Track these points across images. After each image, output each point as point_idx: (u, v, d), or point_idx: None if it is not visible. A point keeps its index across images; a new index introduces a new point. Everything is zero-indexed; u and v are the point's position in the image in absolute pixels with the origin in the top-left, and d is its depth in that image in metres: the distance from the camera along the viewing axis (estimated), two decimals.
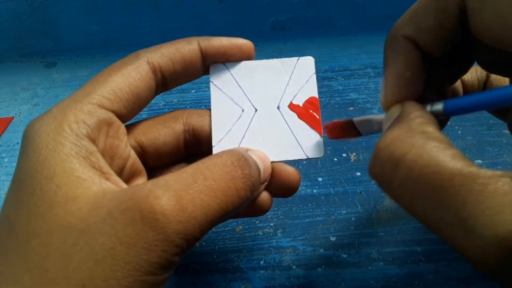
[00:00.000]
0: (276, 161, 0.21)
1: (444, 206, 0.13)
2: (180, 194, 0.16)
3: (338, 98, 0.41)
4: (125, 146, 0.20)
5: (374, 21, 0.52)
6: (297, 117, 0.22)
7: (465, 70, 0.21)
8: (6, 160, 0.38)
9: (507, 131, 0.35)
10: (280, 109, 0.22)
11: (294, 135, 0.22)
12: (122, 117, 0.20)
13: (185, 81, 0.22)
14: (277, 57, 0.23)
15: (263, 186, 0.21)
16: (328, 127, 0.22)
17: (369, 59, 0.48)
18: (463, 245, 0.12)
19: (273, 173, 0.21)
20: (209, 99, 0.22)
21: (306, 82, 0.23)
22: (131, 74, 0.19)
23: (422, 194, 0.13)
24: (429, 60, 0.18)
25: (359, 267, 0.25)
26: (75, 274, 0.15)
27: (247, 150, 0.20)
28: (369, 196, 0.30)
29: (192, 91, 0.43)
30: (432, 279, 0.24)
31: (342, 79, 0.44)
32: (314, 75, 0.23)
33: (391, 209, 0.29)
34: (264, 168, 0.20)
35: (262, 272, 0.25)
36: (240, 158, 0.18)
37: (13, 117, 0.44)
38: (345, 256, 0.26)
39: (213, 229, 0.28)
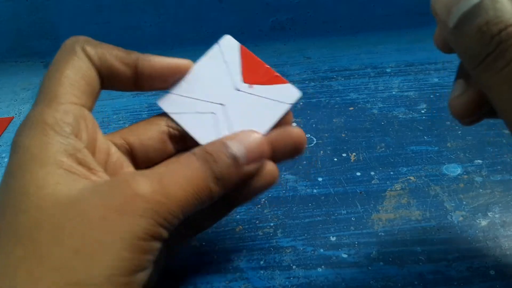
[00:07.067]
0: (269, 129, 0.22)
1: None
2: (160, 178, 0.18)
3: (338, 98, 0.41)
4: (102, 137, 0.21)
5: (374, 21, 0.52)
6: (257, 84, 0.23)
7: None
8: (6, 160, 0.38)
9: (507, 131, 0.35)
10: (240, 89, 0.23)
11: (267, 98, 0.23)
12: (89, 109, 0.20)
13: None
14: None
15: (255, 165, 0.21)
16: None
17: (369, 59, 0.48)
18: None
19: (276, 139, 0.22)
20: None
21: (239, 55, 0.23)
22: (80, 65, 0.20)
23: None
24: None
25: (359, 267, 0.25)
26: (68, 241, 0.16)
27: (227, 138, 0.21)
28: (369, 196, 0.30)
29: None
30: (432, 279, 0.24)
31: (342, 79, 0.44)
32: (239, 45, 0.23)
33: (391, 209, 0.29)
34: (247, 149, 0.20)
35: (262, 272, 0.25)
36: (205, 154, 0.19)
37: (13, 117, 0.44)
38: (345, 256, 0.26)
39: (213, 229, 0.28)
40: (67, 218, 0.16)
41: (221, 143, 0.20)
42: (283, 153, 0.22)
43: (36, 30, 0.52)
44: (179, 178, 0.18)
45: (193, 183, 0.18)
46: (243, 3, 0.51)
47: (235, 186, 0.20)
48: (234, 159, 0.20)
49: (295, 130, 0.22)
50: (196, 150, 0.20)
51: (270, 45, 0.51)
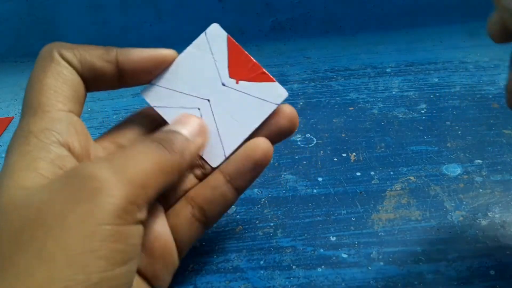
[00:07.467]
0: (255, 129, 0.22)
1: None
2: (114, 158, 0.17)
3: (338, 98, 0.41)
4: (93, 142, 0.21)
5: (374, 21, 0.52)
6: (244, 81, 0.22)
7: None
8: None
9: (507, 131, 0.35)
10: (226, 85, 0.22)
11: (254, 97, 0.22)
12: (77, 114, 0.20)
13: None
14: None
15: (200, 138, 0.21)
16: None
17: (369, 59, 0.48)
18: None
19: (269, 119, 0.22)
20: None
21: (227, 47, 0.22)
22: (59, 70, 0.19)
23: None
24: None
25: (359, 267, 0.25)
26: (28, 246, 0.15)
27: (166, 126, 0.21)
28: (369, 196, 0.30)
29: None
30: (432, 279, 0.24)
31: (342, 79, 0.44)
32: (227, 36, 0.22)
33: (391, 209, 0.29)
34: (189, 126, 0.21)
35: (262, 272, 0.25)
36: (154, 138, 0.19)
37: (13, 117, 0.44)
38: (345, 256, 0.26)
39: (213, 229, 0.28)
40: (25, 222, 0.15)
41: (163, 130, 0.20)
42: (277, 132, 0.22)
43: (36, 30, 0.52)
44: (135, 154, 0.18)
45: (150, 156, 0.18)
46: (243, 3, 0.51)
47: (194, 157, 0.21)
48: (181, 134, 0.20)
49: (287, 109, 0.22)
50: (144, 138, 0.20)
51: (270, 45, 0.51)
